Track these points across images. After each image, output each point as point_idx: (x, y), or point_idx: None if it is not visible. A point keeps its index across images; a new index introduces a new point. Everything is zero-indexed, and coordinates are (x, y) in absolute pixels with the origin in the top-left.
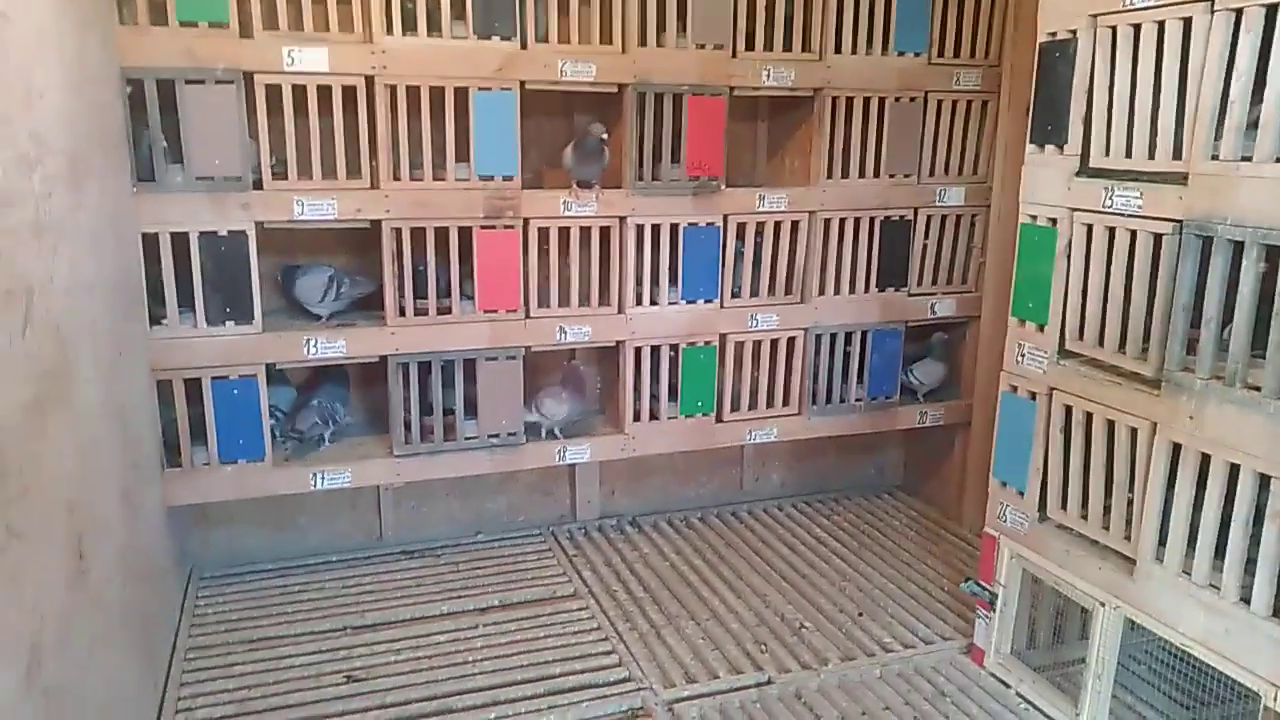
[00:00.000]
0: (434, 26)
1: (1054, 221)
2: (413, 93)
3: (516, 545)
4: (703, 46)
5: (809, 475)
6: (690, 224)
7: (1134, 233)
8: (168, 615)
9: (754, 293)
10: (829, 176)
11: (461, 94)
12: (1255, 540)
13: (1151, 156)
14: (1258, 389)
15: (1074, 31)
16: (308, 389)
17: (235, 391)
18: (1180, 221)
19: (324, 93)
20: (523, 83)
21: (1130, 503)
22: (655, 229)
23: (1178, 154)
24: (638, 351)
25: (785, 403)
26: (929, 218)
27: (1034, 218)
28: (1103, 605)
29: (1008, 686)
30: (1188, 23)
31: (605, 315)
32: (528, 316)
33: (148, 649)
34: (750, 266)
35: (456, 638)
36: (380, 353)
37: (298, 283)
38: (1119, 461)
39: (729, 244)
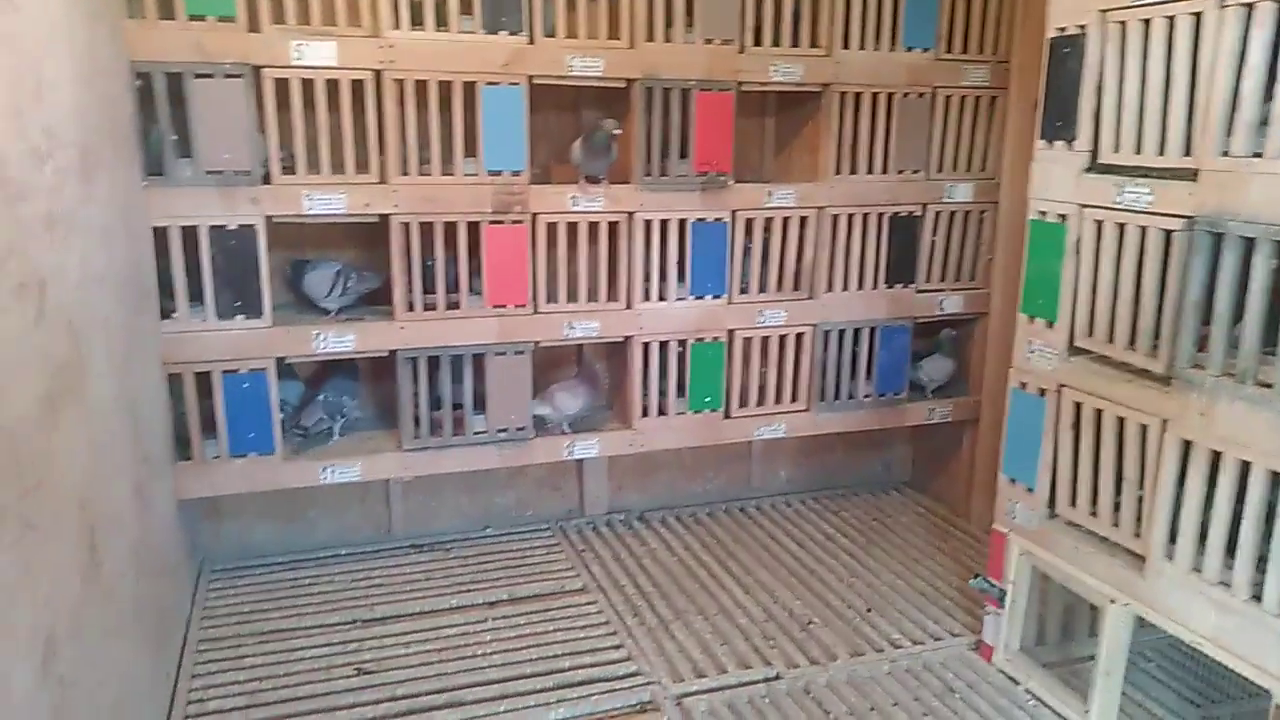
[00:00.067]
0: (442, 21)
1: (1063, 218)
2: (421, 87)
3: (525, 540)
4: (710, 41)
5: (816, 471)
6: (698, 219)
7: (1144, 229)
8: (179, 607)
9: (762, 289)
10: (837, 172)
11: (469, 89)
12: (1266, 537)
13: (1161, 153)
14: (1269, 386)
15: (1083, 27)
16: (316, 383)
17: (245, 385)
18: (1191, 218)
19: (332, 87)
20: (530, 77)
21: (1140, 500)
22: (663, 224)
23: (1188, 150)
24: (646, 347)
25: (793, 399)
26: (937, 214)
27: (1043, 214)
28: (1112, 602)
29: (1016, 683)
30: (1198, 18)
31: (613, 311)
32: (536, 312)
33: (159, 641)
34: (758, 262)
35: (465, 631)
36: (389, 347)
37: (306, 278)
38: (1129, 458)
39: (737, 240)
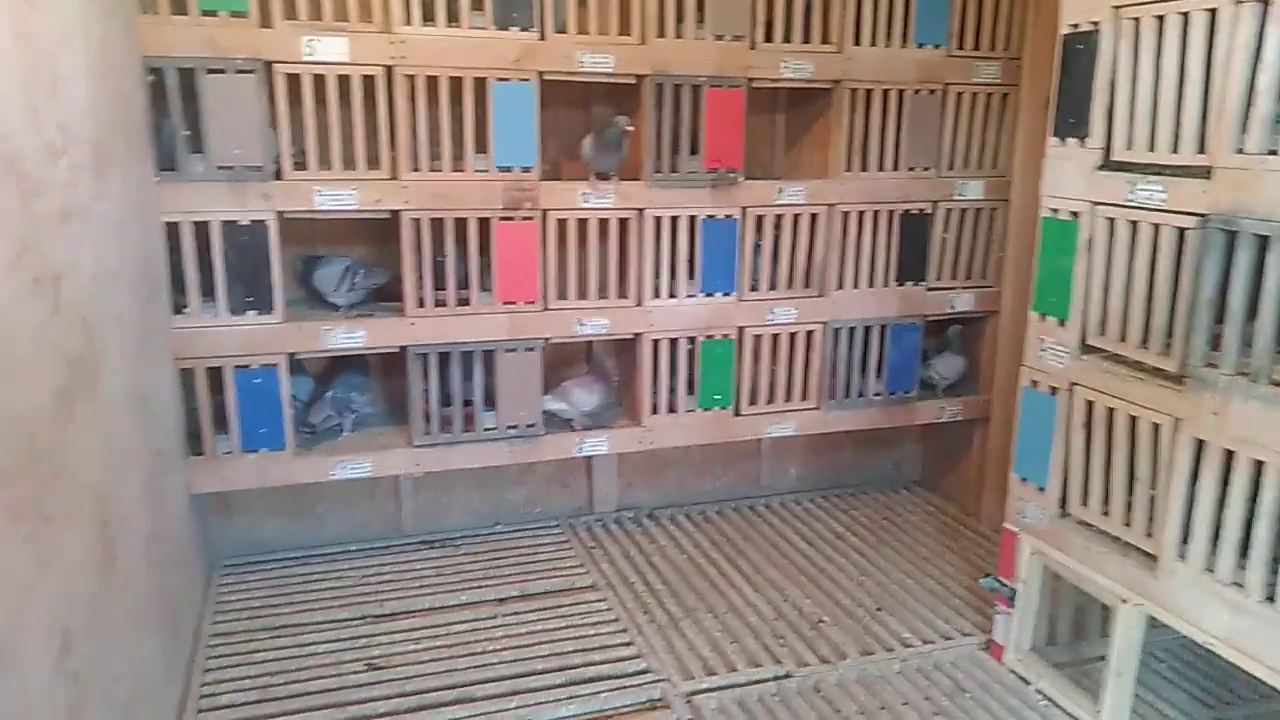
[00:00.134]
0: (453, 17)
1: (1076, 215)
2: (432, 83)
3: (534, 536)
4: (721, 38)
5: (826, 470)
6: (708, 216)
7: (1157, 227)
8: (191, 602)
9: (772, 286)
10: (848, 169)
11: (480, 84)
12: None
13: (1175, 150)
14: None
15: (1097, 23)
16: (325, 379)
17: (257, 380)
18: (1205, 216)
19: (343, 83)
20: (541, 73)
21: (1153, 499)
22: (673, 221)
23: (1202, 148)
24: (655, 344)
25: (803, 397)
26: (948, 211)
27: (1055, 211)
28: (1124, 602)
29: (1027, 683)
30: (1213, 14)
31: (623, 308)
32: (546, 308)
33: (172, 635)
34: (769, 259)
35: (476, 627)
36: (400, 343)
37: (316, 273)
38: (1141, 458)
39: (747, 237)
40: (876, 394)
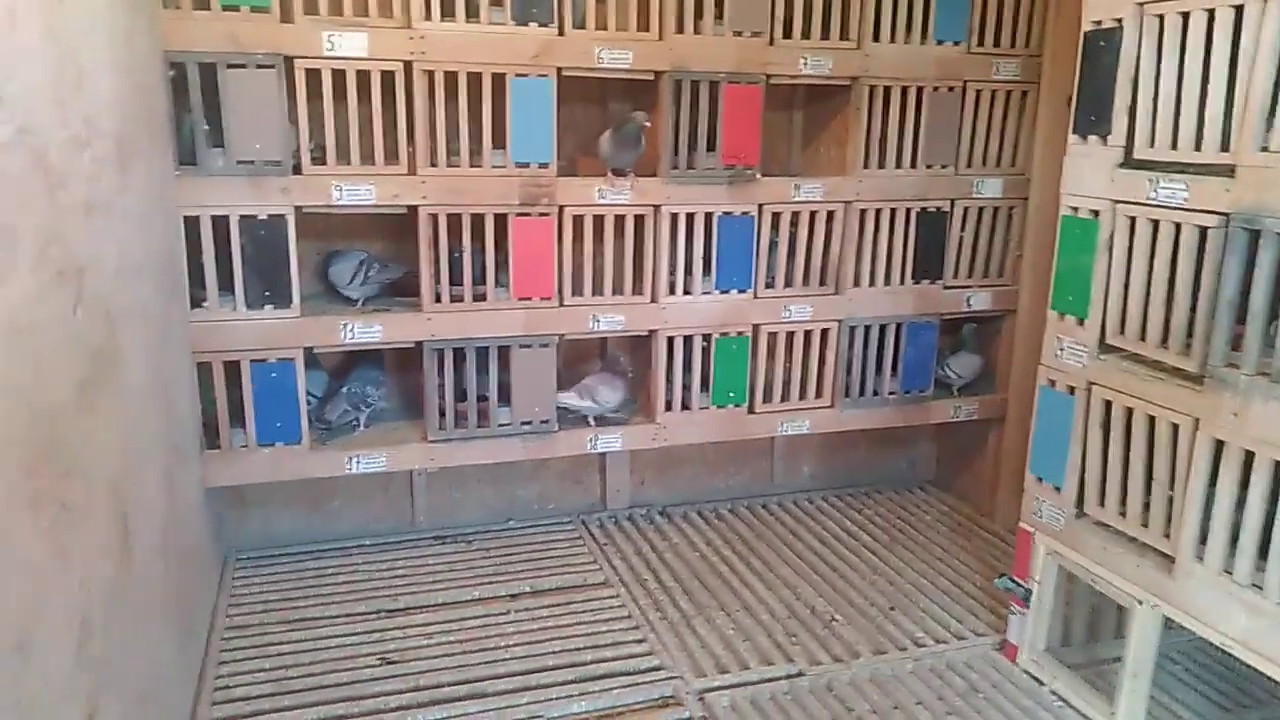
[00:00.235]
0: (472, 12)
1: (1096, 213)
2: (450, 79)
3: (547, 533)
4: (740, 34)
5: (839, 468)
6: (725, 213)
7: (1178, 225)
8: (206, 594)
9: (788, 283)
10: (865, 166)
11: (498, 80)
12: None
13: (1198, 148)
14: None
15: (1119, 20)
16: (340, 374)
17: (273, 374)
18: (1227, 215)
19: (363, 78)
20: (559, 69)
21: (1170, 500)
22: (690, 218)
23: (1225, 146)
24: (670, 341)
25: (818, 395)
26: (966, 209)
27: (1075, 209)
28: (1140, 603)
29: (1041, 684)
30: (1239, 11)
31: (638, 304)
32: (562, 304)
33: (187, 627)
34: (784, 256)
35: (488, 623)
36: (416, 338)
37: (331, 267)
38: (1159, 458)
39: (763, 233)
40: (891, 392)
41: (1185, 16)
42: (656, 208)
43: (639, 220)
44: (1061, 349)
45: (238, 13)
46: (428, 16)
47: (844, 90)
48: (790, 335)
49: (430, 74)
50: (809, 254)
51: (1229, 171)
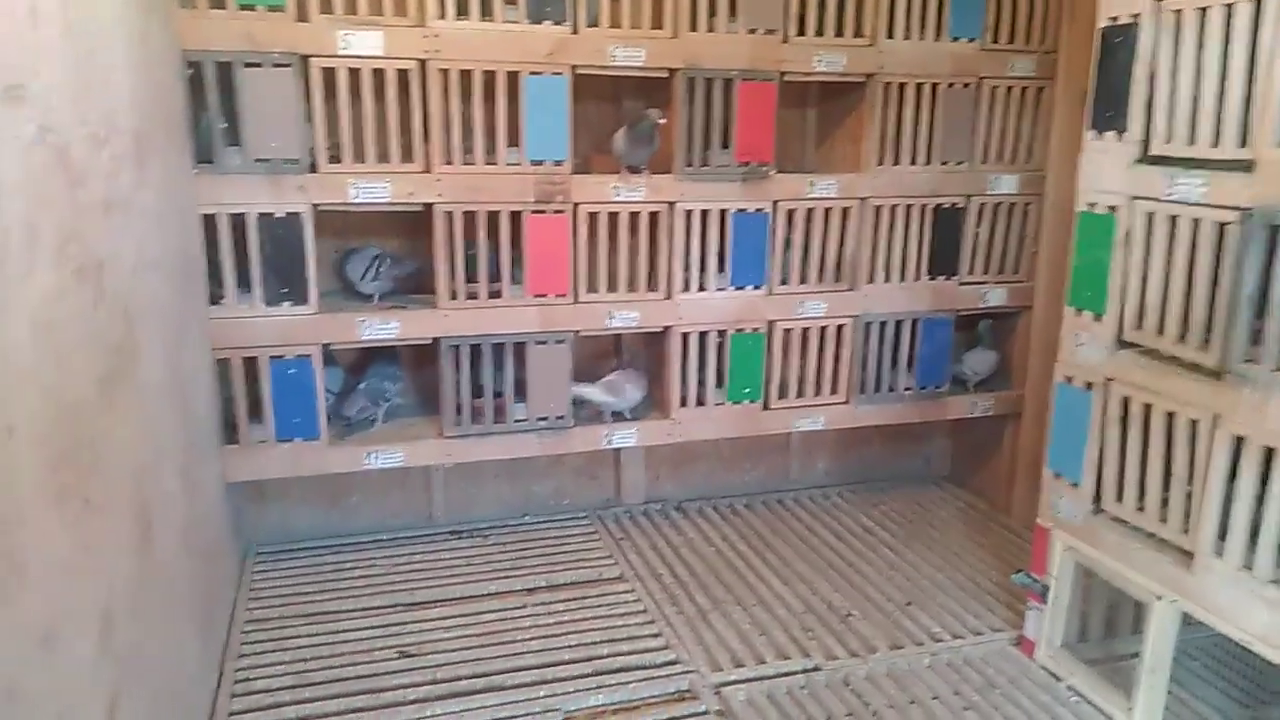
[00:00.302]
0: (486, 10)
1: (1113, 209)
2: (465, 77)
3: (563, 528)
4: (754, 31)
5: (855, 464)
6: (739, 210)
7: (1197, 221)
8: (225, 588)
9: (803, 280)
10: (880, 163)
11: (513, 78)
12: None
13: (1216, 144)
14: None
15: (1137, 16)
16: (356, 371)
17: (291, 371)
18: (1247, 210)
19: (378, 76)
20: (574, 67)
21: (1189, 496)
22: (704, 215)
23: (1244, 141)
24: (685, 337)
25: (833, 391)
26: (981, 206)
27: (1092, 205)
28: (1159, 599)
29: (1059, 679)
30: (1259, 5)
31: (653, 301)
32: (576, 301)
33: (207, 621)
34: (799, 253)
35: (505, 617)
36: (432, 335)
37: (347, 264)
38: (1178, 454)
39: (778, 230)
40: (907, 389)
41: (1203, 11)
42: (671, 205)
43: (653, 217)
44: (1079, 345)
45: (254, 12)
46: (442, 15)
47: (858, 87)
48: (805, 331)
49: (445, 72)
50: (824, 250)
51: (1248, 166)
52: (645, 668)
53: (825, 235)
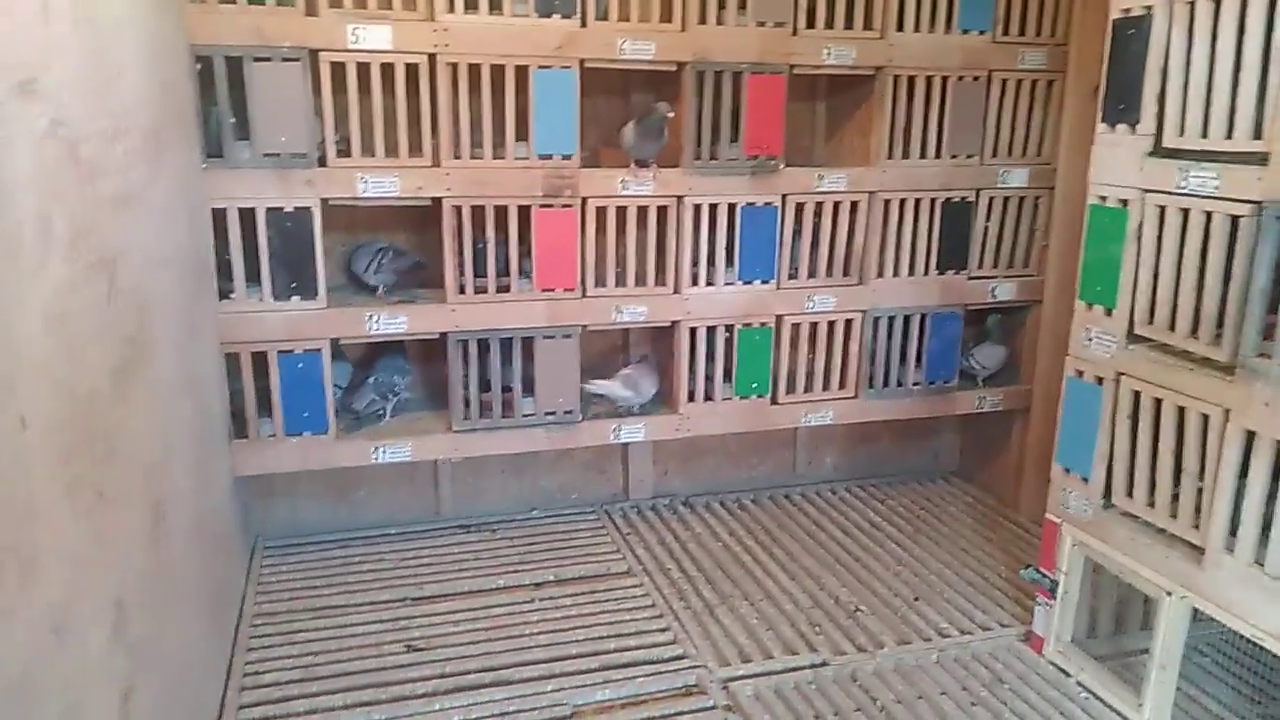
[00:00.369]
0: (495, 4)
1: (1125, 203)
2: (474, 71)
3: (570, 522)
4: (763, 24)
5: (863, 459)
6: (748, 204)
7: (1209, 214)
8: (235, 582)
9: (811, 274)
10: (889, 157)
11: (522, 72)
12: None
13: (1229, 136)
14: None
15: (1149, 8)
16: (364, 366)
17: (300, 365)
18: (1259, 203)
19: (387, 70)
20: (582, 61)
21: (1200, 491)
22: (712, 209)
23: (1258, 134)
24: (693, 332)
25: (841, 385)
26: (991, 199)
27: (1104, 199)
28: (1169, 595)
29: (1068, 675)
30: None
31: (661, 295)
32: (584, 295)
33: (217, 614)
34: (808, 247)
35: (512, 611)
36: (440, 329)
37: (354, 258)
38: (1189, 449)
39: (787, 224)
40: (915, 383)
41: (1217, 2)
42: (679, 198)
43: (662, 211)
44: (1089, 339)
45: (263, 6)
46: (451, 9)
47: (868, 80)
48: (814, 326)
49: (454, 66)
50: (833, 244)
51: (1262, 159)
52: (653, 662)
53: (834, 229)
